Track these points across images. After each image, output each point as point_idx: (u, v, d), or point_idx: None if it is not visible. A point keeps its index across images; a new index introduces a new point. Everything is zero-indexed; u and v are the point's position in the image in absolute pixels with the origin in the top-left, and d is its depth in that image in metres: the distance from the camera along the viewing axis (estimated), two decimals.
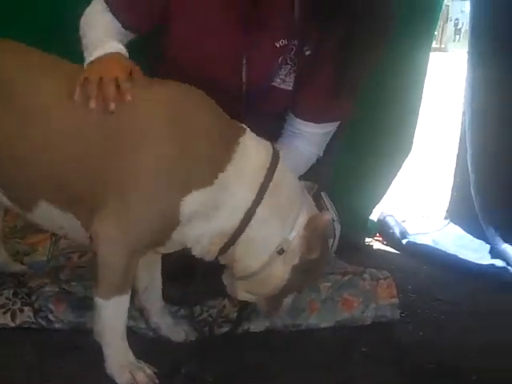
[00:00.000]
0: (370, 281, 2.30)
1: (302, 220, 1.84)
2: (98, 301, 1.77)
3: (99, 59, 1.84)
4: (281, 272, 1.85)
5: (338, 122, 2.18)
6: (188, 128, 1.75)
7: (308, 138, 2.15)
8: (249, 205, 1.78)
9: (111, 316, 1.79)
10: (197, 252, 1.85)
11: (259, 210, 1.78)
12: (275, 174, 1.81)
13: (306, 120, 2.13)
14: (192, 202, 1.73)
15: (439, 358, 2.08)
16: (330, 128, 2.17)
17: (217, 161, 1.76)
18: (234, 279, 1.91)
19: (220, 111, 1.85)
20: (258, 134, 1.88)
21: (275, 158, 1.84)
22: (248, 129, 1.85)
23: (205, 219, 1.78)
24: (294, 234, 1.83)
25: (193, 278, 2.03)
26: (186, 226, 1.77)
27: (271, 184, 1.79)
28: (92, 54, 1.86)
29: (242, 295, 1.94)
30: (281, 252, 1.82)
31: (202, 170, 1.74)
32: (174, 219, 1.75)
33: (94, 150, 1.74)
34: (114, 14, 1.99)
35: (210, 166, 1.75)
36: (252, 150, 1.81)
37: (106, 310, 1.78)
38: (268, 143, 1.88)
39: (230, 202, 1.78)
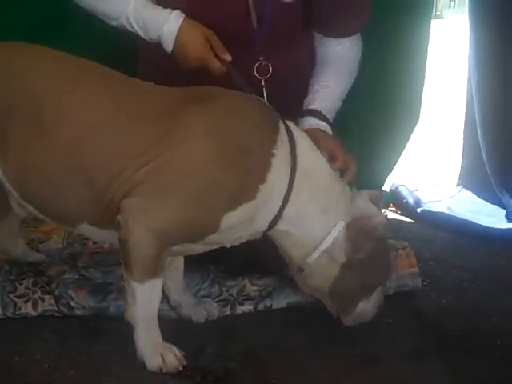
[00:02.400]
0: None
1: (344, 216, 1.84)
2: (132, 284, 1.75)
3: (176, 45, 1.97)
4: (327, 268, 1.85)
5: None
6: (232, 142, 1.75)
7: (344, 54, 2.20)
8: (281, 200, 1.79)
9: (146, 299, 1.78)
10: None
11: (291, 203, 1.80)
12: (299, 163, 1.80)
13: (334, 36, 2.17)
14: (234, 216, 1.75)
15: (463, 324, 2.07)
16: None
17: (259, 173, 1.76)
18: (292, 267, 1.94)
19: (261, 117, 1.83)
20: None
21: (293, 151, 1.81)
22: (281, 129, 1.82)
23: (244, 226, 1.80)
24: (338, 230, 1.83)
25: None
26: (224, 233, 1.79)
27: (298, 174, 1.79)
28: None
29: (308, 290, 1.99)
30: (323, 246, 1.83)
31: (246, 186, 1.74)
32: (212, 229, 1.76)
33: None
34: None
35: (253, 180, 1.75)
36: (285, 152, 1.80)
37: (140, 293, 1.76)
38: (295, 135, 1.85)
39: (267, 206, 1.79)
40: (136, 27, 2.02)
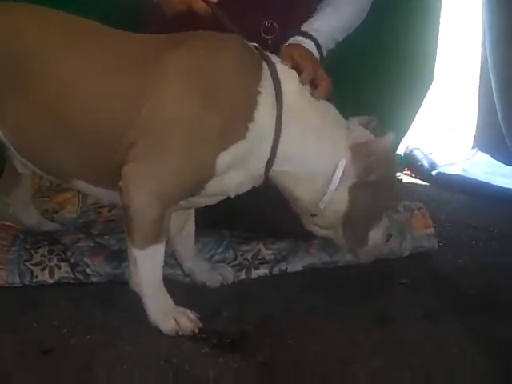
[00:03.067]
0: (404, 213, 2.28)
1: (344, 146, 1.80)
2: (134, 251, 1.76)
3: None
4: (337, 203, 1.81)
5: None
6: (214, 81, 1.73)
7: None
8: (272, 140, 1.76)
9: (148, 265, 1.78)
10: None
11: (283, 141, 1.76)
12: (285, 98, 1.76)
13: None
14: (227, 156, 1.73)
15: (479, 283, 2.07)
16: None
17: (245, 112, 1.73)
18: (303, 215, 1.91)
19: (243, 56, 1.79)
20: None
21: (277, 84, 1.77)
22: (264, 66, 1.78)
23: (240, 168, 1.78)
24: (342, 155, 1.79)
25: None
26: (221, 177, 1.76)
27: (286, 110, 1.75)
28: None
29: (317, 230, 1.93)
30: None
31: (234, 125, 1.72)
32: (209, 173, 1.74)
33: (124, 103, 1.74)
34: None
35: (241, 118, 1.73)
36: (270, 89, 1.76)
37: (142, 259, 1.76)
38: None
39: (259, 146, 1.76)
40: None
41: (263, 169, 1.80)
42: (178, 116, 1.71)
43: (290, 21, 2.11)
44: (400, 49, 2.88)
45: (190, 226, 2.04)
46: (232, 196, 1.85)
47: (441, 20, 3.01)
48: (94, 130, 1.76)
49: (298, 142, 1.78)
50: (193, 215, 2.03)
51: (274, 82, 1.76)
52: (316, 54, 2.00)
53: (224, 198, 1.87)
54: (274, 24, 2.11)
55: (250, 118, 1.73)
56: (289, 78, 1.80)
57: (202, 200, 1.86)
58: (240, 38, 1.84)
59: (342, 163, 1.77)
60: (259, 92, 1.74)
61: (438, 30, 3.01)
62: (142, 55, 1.78)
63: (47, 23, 1.84)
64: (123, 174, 1.73)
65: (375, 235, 1.91)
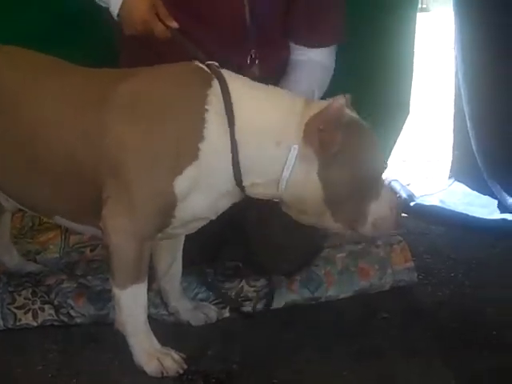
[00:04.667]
0: (383, 247, 2.31)
1: (297, 131, 1.72)
2: (116, 291, 1.78)
3: (123, 8, 1.95)
4: (307, 181, 1.72)
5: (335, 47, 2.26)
6: (158, 108, 1.74)
7: (319, 61, 2.22)
8: (230, 156, 1.73)
9: (130, 305, 1.80)
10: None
11: (243, 155, 1.73)
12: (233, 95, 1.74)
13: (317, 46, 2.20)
14: (184, 180, 1.71)
15: (461, 316, 2.10)
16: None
17: (194, 132, 1.72)
18: (292, 214, 1.84)
19: (188, 77, 1.80)
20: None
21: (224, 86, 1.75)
22: (214, 84, 1.76)
23: (204, 188, 1.75)
24: (295, 137, 1.71)
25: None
26: (186, 202, 1.75)
27: (239, 124, 1.72)
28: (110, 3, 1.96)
29: (304, 220, 1.83)
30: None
31: (185, 147, 1.71)
32: (170, 199, 1.73)
33: (84, 142, 1.77)
34: None
35: (190, 139, 1.71)
36: (219, 106, 1.73)
37: (124, 299, 1.78)
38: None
39: (216, 163, 1.74)
40: None
41: (232, 185, 1.76)
42: (130, 148, 1.73)
43: (271, 56, 2.16)
44: (376, 82, 2.93)
45: (177, 265, 2.06)
46: (213, 218, 1.83)
47: (415, 53, 3.07)
48: (63, 168, 1.80)
49: (258, 152, 1.73)
50: (180, 254, 2.05)
51: (223, 98, 1.73)
52: None
53: (206, 222, 1.85)
54: (257, 56, 2.14)
55: (199, 137, 1.71)
56: (240, 89, 1.76)
57: (180, 230, 1.86)
58: (189, 63, 1.83)
59: (294, 149, 1.70)
60: (206, 110, 1.72)
61: (413, 63, 3.06)
62: (99, 91, 1.81)
63: (16, 64, 1.92)
64: (102, 214, 1.76)
65: (376, 208, 1.75)
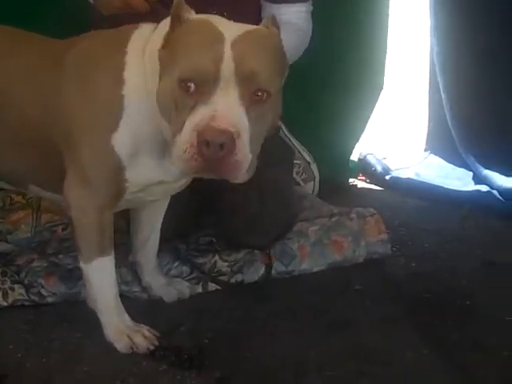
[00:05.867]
0: (357, 220, 2.31)
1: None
2: (83, 266, 1.78)
3: None
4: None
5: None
6: (87, 67, 1.71)
7: (290, 20, 2.11)
8: None
9: (98, 279, 1.79)
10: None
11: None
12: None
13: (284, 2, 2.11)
14: (121, 135, 1.66)
15: (434, 286, 2.11)
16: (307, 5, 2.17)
17: (115, 80, 1.67)
18: None
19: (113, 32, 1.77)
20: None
21: None
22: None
23: (145, 146, 1.69)
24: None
25: None
26: (136, 164, 1.70)
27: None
28: None
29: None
30: None
31: (112, 101, 1.66)
32: (116, 160, 1.68)
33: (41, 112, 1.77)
34: None
35: (114, 89, 1.66)
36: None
37: (91, 274, 1.78)
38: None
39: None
40: None
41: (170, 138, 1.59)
42: (71, 110, 1.70)
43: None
44: (349, 57, 2.93)
45: (155, 239, 2.04)
46: (171, 180, 1.76)
47: (389, 26, 3.05)
48: (28, 136, 1.79)
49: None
50: (158, 228, 2.03)
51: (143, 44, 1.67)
52: None
53: (173, 188, 1.82)
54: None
55: (120, 82, 1.65)
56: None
57: (141, 195, 1.79)
58: (134, 25, 1.75)
59: None
60: (126, 52, 1.67)
61: (387, 36, 3.06)
62: (53, 56, 1.78)
63: None
64: (63, 188, 1.75)
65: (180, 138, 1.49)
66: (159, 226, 2.02)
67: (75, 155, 1.72)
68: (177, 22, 1.55)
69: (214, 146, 1.41)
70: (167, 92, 1.51)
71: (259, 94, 1.47)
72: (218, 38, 1.47)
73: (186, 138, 1.45)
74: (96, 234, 1.75)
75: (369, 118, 3.09)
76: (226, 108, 1.44)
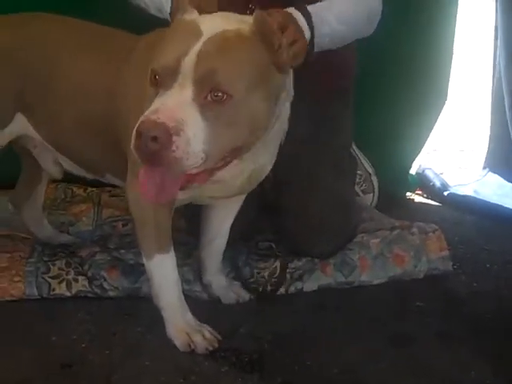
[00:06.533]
0: (418, 234, 2.29)
1: None
2: (145, 262, 1.82)
3: None
4: None
5: None
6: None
7: None
8: None
9: (159, 276, 1.81)
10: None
11: None
12: None
13: None
14: None
15: (496, 307, 2.07)
16: None
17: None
18: None
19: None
20: None
21: None
22: None
23: None
24: None
25: None
26: None
27: None
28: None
29: None
30: None
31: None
32: None
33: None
34: None
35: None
36: None
37: (152, 270, 1.81)
38: None
39: None
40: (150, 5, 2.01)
41: None
42: (128, 104, 1.75)
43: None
44: (414, 68, 2.90)
45: (223, 239, 2.05)
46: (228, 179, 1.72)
47: (455, 38, 3.02)
48: (102, 125, 1.84)
49: None
50: (228, 228, 2.04)
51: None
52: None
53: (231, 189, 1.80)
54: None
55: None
56: None
57: (197, 192, 1.77)
58: None
59: None
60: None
61: (453, 49, 3.02)
62: (126, 52, 1.84)
63: (62, 30, 1.96)
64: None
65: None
66: (228, 226, 2.03)
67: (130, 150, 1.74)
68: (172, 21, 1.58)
69: (145, 138, 1.39)
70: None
71: (218, 94, 1.43)
72: (195, 35, 1.47)
73: (134, 131, 1.43)
74: (153, 230, 1.78)
75: (431, 130, 3.06)
76: (174, 102, 1.41)
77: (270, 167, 1.83)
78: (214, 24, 1.51)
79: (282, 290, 2.13)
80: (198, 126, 1.42)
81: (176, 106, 1.41)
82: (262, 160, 1.75)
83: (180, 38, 1.49)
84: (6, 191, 2.46)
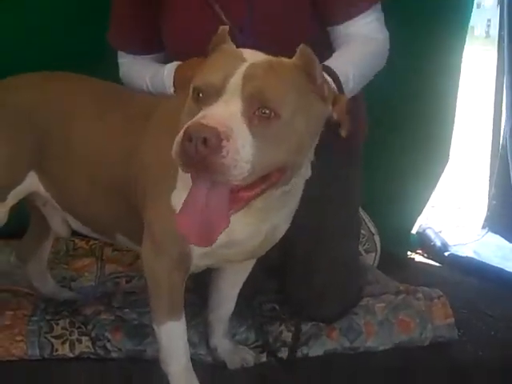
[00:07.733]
0: (424, 300, 2.27)
1: None
2: (155, 328, 1.79)
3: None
4: None
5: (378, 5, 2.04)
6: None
7: (358, 34, 2.00)
8: None
9: (168, 342, 1.79)
10: None
11: None
12: None
13: (345, 19, 2.00)
14: (179, 191, 1.64)
15: (502, 378, 2.05)
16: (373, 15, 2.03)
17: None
18: None
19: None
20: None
21: None
22: None
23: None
24: None
25: None
26: None
27: None
28: (165, 78, 2.04)
29: None
30: None
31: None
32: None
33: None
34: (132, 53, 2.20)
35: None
36: None
37: (162, 335, 1.79)
38: None
39: None
40: (152, 90, 2.11)
41: None
42: (145, 170, 1.76)
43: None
44: (417, 129, 2.92)
45: (231, 303, 2.04)
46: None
47: (457, 103, 3.05)
48: (118, 190, 1.84)
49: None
50: (236, 293, 2.03)
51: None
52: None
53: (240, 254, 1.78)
54: None
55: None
56: None
57: (207, 261, 1.78)
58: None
59: None
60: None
61: (455, 108, 3.04)
62: (144, 117, 1.83)
63: (81, 91, 1.97)
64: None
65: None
66: (237, 292, 2.03)
67: (145, 214, 1.76)
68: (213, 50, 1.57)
69: (196, 140, 1.34)
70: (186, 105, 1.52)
71: (266, 111, 1.42)
72: (240, 60, 1.48)
73: (179, 136, 1.39)
74: (166, 295, 1.76)
75: (433, 190, 3.07)
76: (222, 112, 1.39)
77: (285, 228, 1.81)
78: (256, 53, 1.54)
79: (287, 354, 2.10)
80: (246, 138, 1.39)
81: (225, 115, 1.39)
82: (277, 219, 1.74)
83: (224, 61, 1.49)
84: (7, 241, 2.45)
